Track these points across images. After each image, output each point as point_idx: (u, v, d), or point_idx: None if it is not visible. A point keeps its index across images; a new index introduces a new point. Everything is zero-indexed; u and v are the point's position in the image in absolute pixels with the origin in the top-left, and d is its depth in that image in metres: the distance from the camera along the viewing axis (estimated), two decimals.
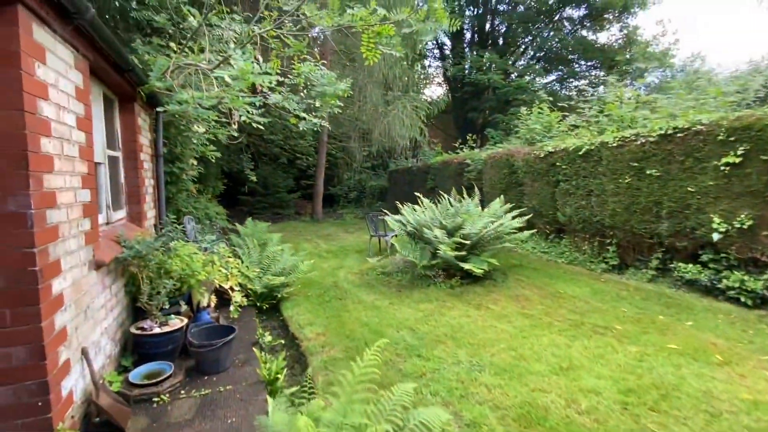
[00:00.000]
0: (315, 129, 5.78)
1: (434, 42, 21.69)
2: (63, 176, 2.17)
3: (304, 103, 5.39)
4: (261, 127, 5.87)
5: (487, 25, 20.14)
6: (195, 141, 6.68)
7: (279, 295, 4.83)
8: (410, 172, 12.65)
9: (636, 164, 5.31)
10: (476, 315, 4.28)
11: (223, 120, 6.47)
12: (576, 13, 19.37)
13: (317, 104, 5.01)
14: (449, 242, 5.20)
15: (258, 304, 4.69)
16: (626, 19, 17.52)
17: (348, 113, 12.76)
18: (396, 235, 8.05)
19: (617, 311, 4.33)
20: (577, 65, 20.50)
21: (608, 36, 20.12)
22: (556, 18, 19.50)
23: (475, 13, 19.02)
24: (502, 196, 6.56)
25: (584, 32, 19.70)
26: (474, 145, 11.33)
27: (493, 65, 16.46)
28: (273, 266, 5.14)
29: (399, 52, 4.20)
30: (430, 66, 23.15)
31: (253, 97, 4.01)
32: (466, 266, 5.05)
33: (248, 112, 5.58)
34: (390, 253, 7.55)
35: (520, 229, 5.94)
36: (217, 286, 3.84)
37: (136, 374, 2.74)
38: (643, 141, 5.21)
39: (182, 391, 2.79)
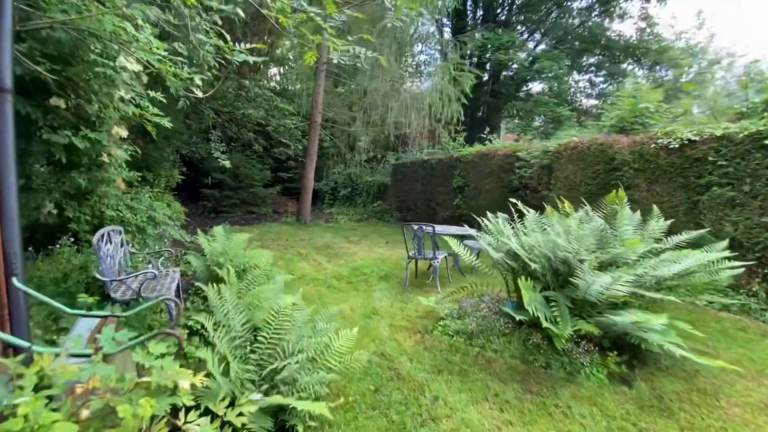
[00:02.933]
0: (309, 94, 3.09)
1: (435, 22, 19.23)
2: None
3: None
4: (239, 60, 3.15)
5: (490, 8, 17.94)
6: (124, 94, 3.76)
7: (298, 427, 2.12)
8: (426, 167, 10.06)
9: None
10: None
11: (176, 57, 3.61)
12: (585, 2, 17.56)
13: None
14: (622, 294, 2.72)
15: None
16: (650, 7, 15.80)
17: (345, 90, 9.97)
18: (448, 256, 5.56)
19: None
20: (582, 59, 18.76)
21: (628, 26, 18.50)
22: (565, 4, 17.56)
23: None
24: (659, 208, 4.14)
25: (598, 21, 17.95)
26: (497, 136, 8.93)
27: (511, 47, 14.21)
28: (277, 349, 2.41)
29: None
30: (422, 53, 20.69)
31: None
32: (666, 342, 2.58)
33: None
34: (434, 283, 5.01)
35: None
36: None
37: None
38: None
39: None
